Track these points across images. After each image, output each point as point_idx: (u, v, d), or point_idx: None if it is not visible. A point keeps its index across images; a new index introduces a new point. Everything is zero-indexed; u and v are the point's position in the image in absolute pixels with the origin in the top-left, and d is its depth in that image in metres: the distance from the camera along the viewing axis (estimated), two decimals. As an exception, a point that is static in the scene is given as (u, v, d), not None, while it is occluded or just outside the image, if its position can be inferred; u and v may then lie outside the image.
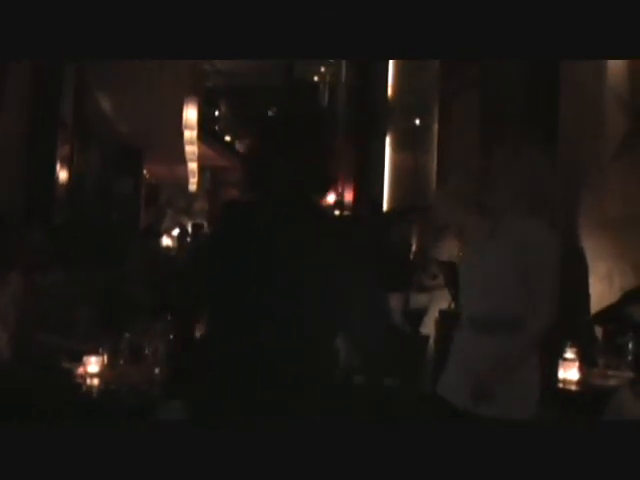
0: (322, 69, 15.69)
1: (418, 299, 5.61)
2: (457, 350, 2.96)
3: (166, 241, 17.35)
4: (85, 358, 3.61)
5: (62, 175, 8.25)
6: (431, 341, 4.46)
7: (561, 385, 3.79)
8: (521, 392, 2.83)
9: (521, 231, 2.85)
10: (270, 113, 12.30)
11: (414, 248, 7.47)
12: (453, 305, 4.73)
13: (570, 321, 4.40)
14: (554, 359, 3.83)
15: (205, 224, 18.32)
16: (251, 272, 2.24)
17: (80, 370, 3.60)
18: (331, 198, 11.53)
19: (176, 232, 18.79)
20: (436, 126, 8.43)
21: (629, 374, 3.86)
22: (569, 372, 3.83)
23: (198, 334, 2.68)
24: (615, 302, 4.57)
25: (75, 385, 3.50)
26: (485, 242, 2.96)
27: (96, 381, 3.52)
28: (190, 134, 11.55)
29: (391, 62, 10.38)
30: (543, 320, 2.82)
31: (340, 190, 11.87)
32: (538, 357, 2.91)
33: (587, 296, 4.83)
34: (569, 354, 3.89)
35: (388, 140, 10.33)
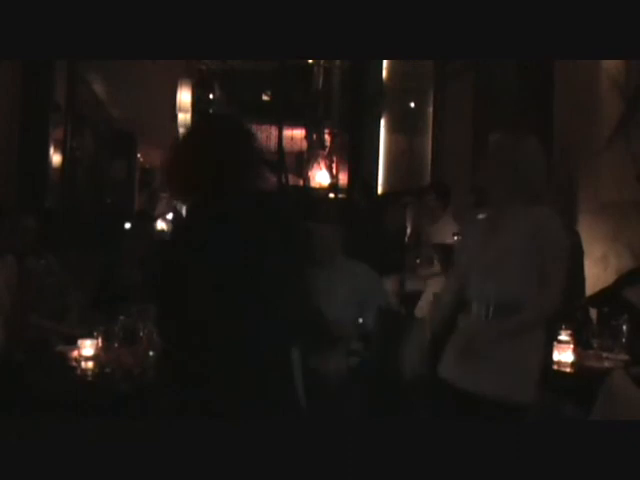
0: (316, 52, 15.59)
1: (413, 283, 5.61)
2: (462, 334, 2.96)
3: (160, 225, 17.29)
4: (79, 341, 3.60)
5: (55, 159, 8.21)
6: (427, 324, 4.46)
7: (556, 367, 3.79)
8: (522, 374, 2.85)
9: (528, 217, 2.86)
10: (265, 97, 12.19)
11: (408, 231, 7.46)
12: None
13: (565, 304, 4.41)
14: (549, 341, 3.83)
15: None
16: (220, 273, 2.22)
17: (75, 353, 3.59)
18: (325, 181, 11.51)
19: (170, 216, 18.71)
20: (431, 109, 8.41)
21: (623, 356, 3.87)
22: (564, 354, 3.83)
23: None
24: (609, 285, 4.58)
25: (70, 368, 3.50)
26: (490, 228, 2.96)
27: (91, 364, 3.51)
28: (184, 117, 11.49)
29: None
30: (551, 305, 2.87)
31: (334, 173, 11.84)
32: (542, 339, 2.93)
33: (582, 279, 4.83)
34: (564, 336, 3.90)
35: (383, 123, 10.31)
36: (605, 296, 4.49)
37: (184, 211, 2.63)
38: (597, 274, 5.06)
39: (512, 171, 2.89)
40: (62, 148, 8.56)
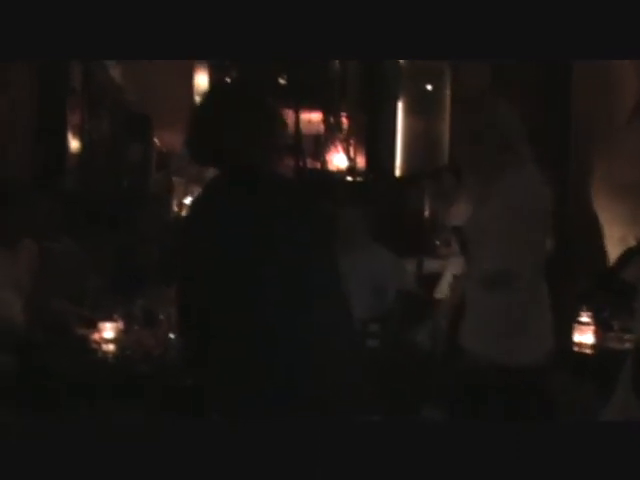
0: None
1: (432, 264, 5.60)
2: (471, 305, 2.99)
3: (176, 208, 17.33)
4: (100, 324, 3.62)
5: (72, 143, 8.22)
6: (446, 305, 4.45)
7: (576, 349, 3.78)
8: (534, 338, 2.86)
9: (513, 185, 2.86)
10: (281, 80, 12.21)
11: (426, 213, 7.44)
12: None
13: (585, 285, 4.39)
14: (569, 323, 3.82)
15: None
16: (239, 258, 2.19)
17: (95, 336, 3.61)
18: (343, 164, 11.46)
19: (187, 200, 18.77)
20: (448, 91, 8.36)
21: (645, 337, 3.84)
22: (584, 336, 3.82)
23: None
24: (607, 268, 4.56)
25: (90, 351, 3.52)
26: (480, 200, 2.98)
27: (111, 347, 3.54)
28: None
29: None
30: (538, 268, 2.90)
31: (352, 156, 11.79)
32: (548, 305, 2.94)
33: (603, 260, 4.80)
34: (584, 318, 3.87)
35: (400, 105, 10.25)
36: (605, 279, 4.46)
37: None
38: (616, 256, 5.03)
39: (493, 130, 2.89)
40: (79, 131, 8.57)
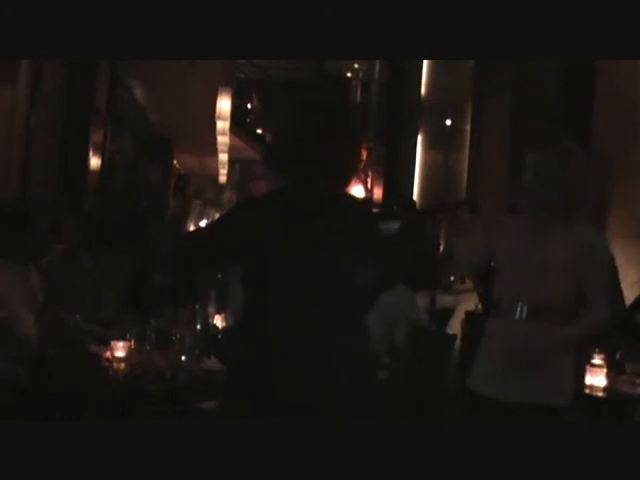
0: (355, 65, 15.67)
1: (444, 299, 5.59)
2: (495, 340, 2.95)
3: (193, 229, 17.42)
4: (112, 343, 3.64)
5: (94, 162, 8.30)
6: (458, 341, 4.44)
7: (588, 391, 3.75)
8: (556, 379, 2.84)
9: (574, 234, 2.86)
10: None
11: (442, 248, 7.42)
12: (480, 306, 4.71)
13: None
14: (581, 365, 3.79)
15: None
16: (280, 264, 2.24)
17: (107, 354, 3.63)
18: (360, 195, 11.51)
19: (203, 222, 18.91)
20: (468, 126, 8.39)
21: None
22: (596, 378, 3.79)
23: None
24: (629, 307, 4.54)
25: (102, 369, 3.53)
26: (528, 239, 2.93)
27: (123, 366, 3.54)
28: (223, 125, 11.53)
29: (425, 60, 10.34)
30: (597, 315, 2.87)
31: (369, 187, 11.83)
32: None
33: (617, 303, 4.77)
34: (597, 360, 3.85)
35: (420, 138, 10.29)
36: (619, 322, 4.44)
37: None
38: (631, 299, 5.00)
39: (560, 189, 2.85)
40: (101, 151, 8.65)
